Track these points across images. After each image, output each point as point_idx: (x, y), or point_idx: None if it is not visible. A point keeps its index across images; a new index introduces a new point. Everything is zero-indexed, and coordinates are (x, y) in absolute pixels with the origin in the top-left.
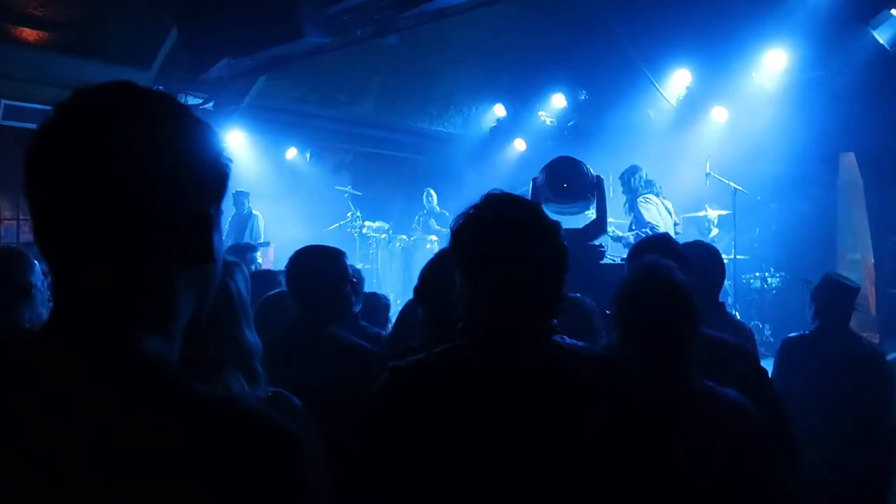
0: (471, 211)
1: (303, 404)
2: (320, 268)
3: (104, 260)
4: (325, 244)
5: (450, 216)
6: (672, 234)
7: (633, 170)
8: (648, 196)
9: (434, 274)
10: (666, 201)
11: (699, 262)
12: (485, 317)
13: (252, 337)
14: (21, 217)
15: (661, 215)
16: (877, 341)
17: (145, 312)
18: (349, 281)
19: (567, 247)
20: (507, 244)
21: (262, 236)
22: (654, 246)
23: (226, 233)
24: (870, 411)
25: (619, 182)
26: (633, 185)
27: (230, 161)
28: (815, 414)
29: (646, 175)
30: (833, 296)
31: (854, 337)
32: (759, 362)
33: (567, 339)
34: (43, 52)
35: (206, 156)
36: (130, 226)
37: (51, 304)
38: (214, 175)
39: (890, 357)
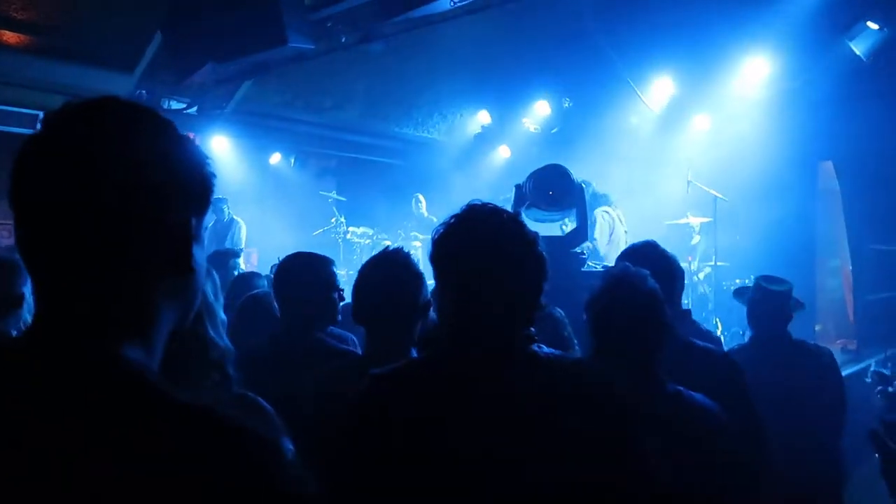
0: (450, 221)
1: (292, 411)
2: (310, 276)
3: (85, 269)
4: (312, 251)
5: (437, 222)
6: (623, 244)
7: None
8: (606, 209)
9: (361, 294)
10: (617, 210)
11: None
12: (463, 325)
13: (221, 340)
14: (1, 221)
15: (610, 228)
16: (854, 347)
17: (126, 322)
18: (337, 289)
19: (546, 257)
20: (484, 255)
21: (243, 244)
22: (639, 253)
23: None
24: (821, 411)
25: (599, 189)
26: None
27: (213, 175)
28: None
29: (594, 188)
30: (764, 302)
31: (792, 339)
32: (741, 373)
33: (545, 348)
34: (24, 55)
35: (187, 168)
36: (111, 237)
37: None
38: (196, 187)
39: (873, 369)
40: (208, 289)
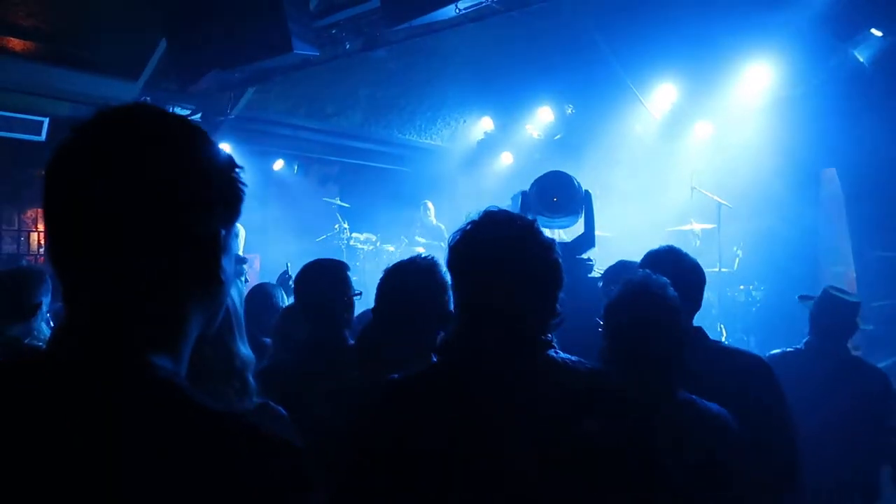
0: (467, 227)
1: (334, 417)
2: (332, 282)
3: (115, 279)
4: (317, 256)
5: (445, 229)
6: None
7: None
8: None
9: (386, 301)
10: None
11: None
12: (479, 330)
13: (245, 350)
14: (5, 227)
15: None
16: (859, 353)
17: (155, 331)
18: (354, 292)
19: (561, 264)
20: (499, 261)
21: (241, 250)
22: (661, 259)
23: None
24: (868, 427)
25: (599, 196)
26: None
27: (244, 186)
28: (810, 431)
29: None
30: (830, 312)
31: (850, 354)
32: (776, 381)
33: (560, 353)
34: (29, 62)
35: (219, 179)
36: (142, 246)
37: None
38: (227, 199)
39: (882, 364)
40: (236, 299)
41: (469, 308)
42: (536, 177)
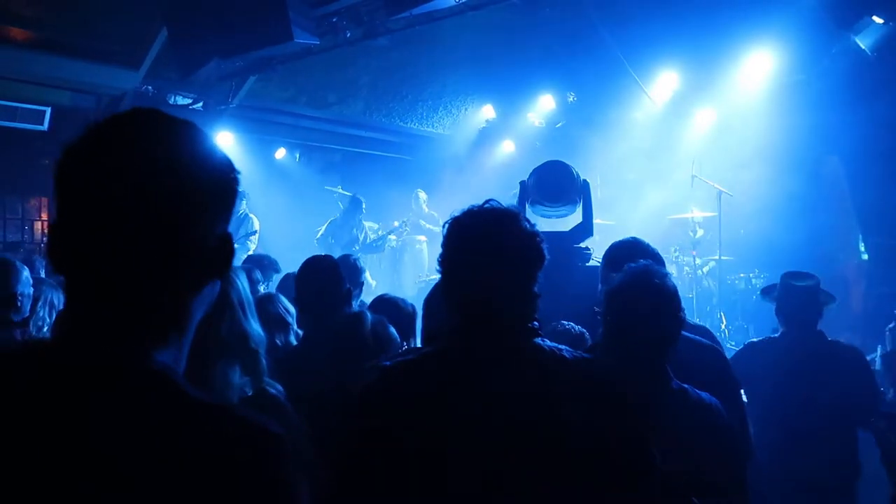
0: (454, 216)
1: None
2: (328, 279)
3: (130, 277)
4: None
5: (438, 217)
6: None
7: None
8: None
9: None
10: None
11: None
12: (466, 320)
13: (257, 330)
14: (7, 216)
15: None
16: (859, 340)
17: (161, 327)
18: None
19: (543, 252)
20: (479, 250)
21: (254, 241)
22: (631, 249)
23: None
24: (846, 409)
25: (601, 185)
26: None
27: (239, 185)
28: (786, 417)
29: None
30: (791, 298)
31: (823, 336)
32: (728, 365)
33: (548, 342)
34: (31, 51)
35: (226, 180)
36: (156, 246)
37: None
38: (231, 197)
39: (869, 357)
40: (243, 281)
41: (456, 298)
42: (535, 166)
